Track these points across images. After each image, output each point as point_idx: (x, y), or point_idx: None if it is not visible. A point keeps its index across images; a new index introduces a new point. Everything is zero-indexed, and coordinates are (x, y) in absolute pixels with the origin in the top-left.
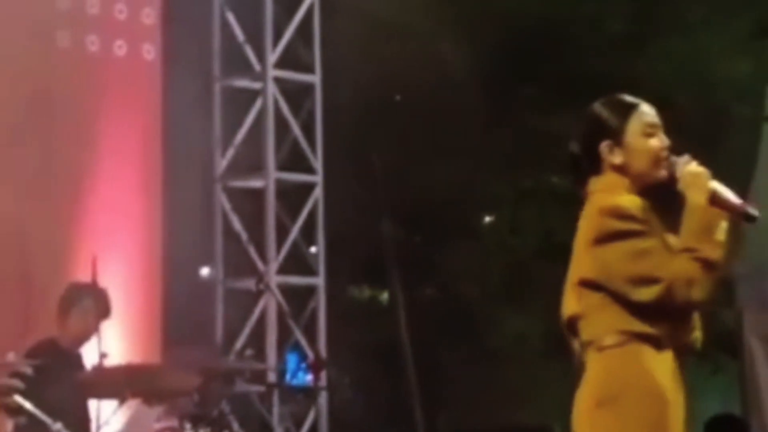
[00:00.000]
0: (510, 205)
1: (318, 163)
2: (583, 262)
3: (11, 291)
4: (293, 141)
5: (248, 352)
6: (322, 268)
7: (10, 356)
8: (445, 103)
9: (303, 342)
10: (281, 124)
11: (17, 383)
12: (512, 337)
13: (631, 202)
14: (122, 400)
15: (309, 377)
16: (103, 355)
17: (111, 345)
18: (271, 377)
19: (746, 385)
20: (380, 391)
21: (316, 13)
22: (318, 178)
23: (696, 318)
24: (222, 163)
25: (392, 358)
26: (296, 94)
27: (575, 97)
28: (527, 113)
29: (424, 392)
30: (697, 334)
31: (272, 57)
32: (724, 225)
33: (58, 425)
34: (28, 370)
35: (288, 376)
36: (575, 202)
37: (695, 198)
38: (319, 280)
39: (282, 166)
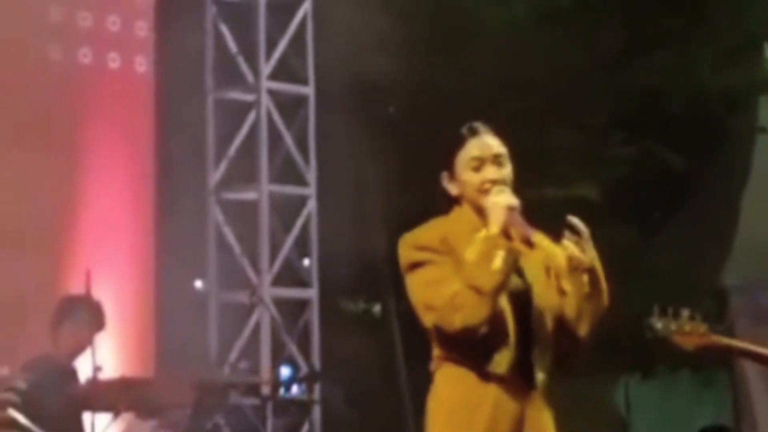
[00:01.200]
0: None
1: (311, 176)
2: None
3: (4, 306)
4: (286, 153)
5: (242, 364)
6: (315, 280)
7: (5, 370)
8: (440, 115)
9: (297, 355)
10: (274, 136)
11: (13, 397)
12: None
13: (432, 232)
14: (116, 414)
15: (303, 390)
16: (97, 369)
17: (105, 358)
18: (265, 390)
19: (738, 396)
20: (374, 403)
21: (309, 24)
22: (311, 191)
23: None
24: (215, 175)
25: (386, 371)
26: (289, 106)
27: (566, 108)
28: (518, 127)
29: (417, 405)
30: (540, 376)
31: (266, 69)
32: (501, 254)
33: None
34: (23, 385)
35: (282, 389)
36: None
37: (488, 228)
38: (313, 293)
39: (275, 179)
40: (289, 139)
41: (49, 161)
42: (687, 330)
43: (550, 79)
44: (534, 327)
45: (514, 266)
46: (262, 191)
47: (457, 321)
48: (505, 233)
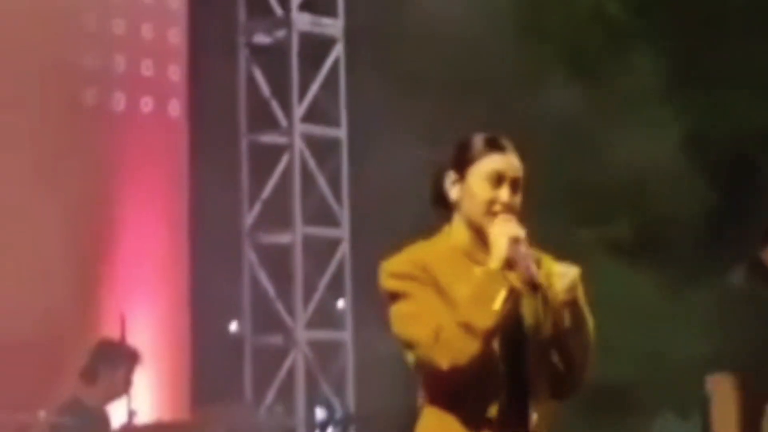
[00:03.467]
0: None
1: (345, 218)
2: None
3: (40, 349)
4: (320, 195)
5: (277, 407)
6: (349, 322)
7: (42, 415)
8: None
9: (331, 397)
10: (308, 179)
11: None
12: None
13: (410, 258)
14: None
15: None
16: (132, 413)
17: (140, 402)
18: None
19: None
20: None
21: (342, 67)
22: (344, 232)
23: (512, 390)
24: (249, 218)
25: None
26: (322, 149)
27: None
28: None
29: None
30: (534, 417)
31: (298, 111)
32: (503, 293)
33: None
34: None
35: (317, 431)
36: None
37: (489, 262)
38: (347, 335)
39: (309, 221)
40: (322, 182)
41: (85, 204)
42: None
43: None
44: (527, 369)
45: (513, 308)
46: (296, 233)
47: (443, 361)
48: (508, 265)
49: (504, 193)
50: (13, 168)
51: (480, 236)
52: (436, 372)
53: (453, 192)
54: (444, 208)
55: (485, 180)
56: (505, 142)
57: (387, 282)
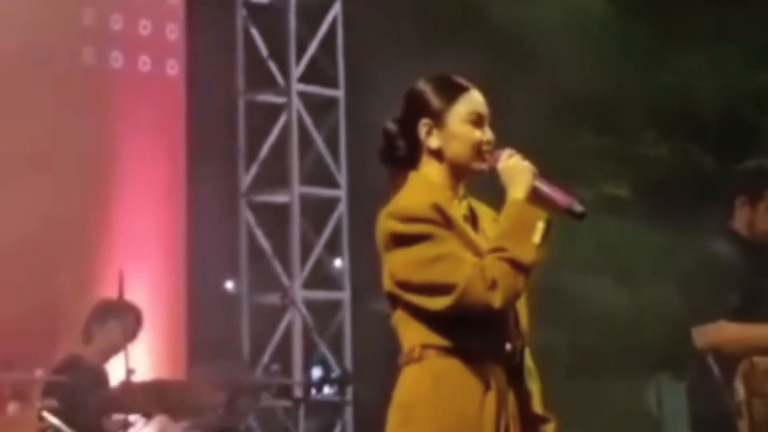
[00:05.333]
0: None
1: (342, 178)
2: (383, 275)
3: (39, 309)
4: (317, 155)
5: (274, 366)
6: (347, 282)
7: (38, 373)
8: None
9: (329, 356)
10: (305, 139)
11: (54, 403)
12: (537, 350)
13: (420, 201)
14: (149, 416)
15: (335, 392)
16: (129, 371)
17: (137, 360)
18: (297, 392)
19: None
20: None
21: (339, 26)
22: (342, 193)
23: (515, 326)
24: (246, 178)
25: None
26: (320, 108)
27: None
28: (548, 126)
29: None
30: (518, 344)
31: (296, 71)
32: (541, 225)
33: None
34: (60, 388)
35: (314, 391)
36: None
37: (513, 194)
38: (345, 295)
39: (306, 181)
40: (319, 141)
41: (81, 163)
42: None
43: (580, 78)
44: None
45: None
46: (294, 193)
47: (497, 299)
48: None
49: (488, 134)
50: (11, 125)
51: (456, 177)
52: (477, 313)
53: (432, 141)
54: (402, 162)
55: (467, 122)
56: (463, 79)
57: (397, 226)
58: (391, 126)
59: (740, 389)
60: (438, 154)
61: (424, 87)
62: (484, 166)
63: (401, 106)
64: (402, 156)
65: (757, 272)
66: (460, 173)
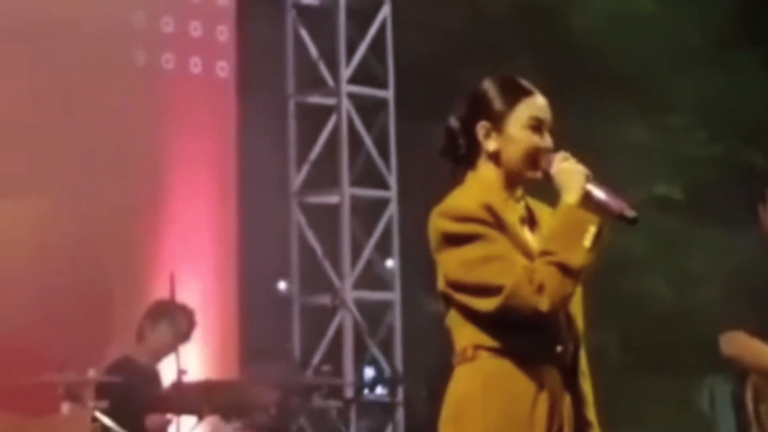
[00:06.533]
0: None
1: (392, 179)
2: (438, 275)
3: (92, 310)
4: (367, 156)
5: (325, 367)
6: (398, 282)
7: (91, 373)
8: None
9: (380, 357)
10: (355, 140)
11: (105, 404)
12: (590, 349)
13: (472, 201)
14: (200, 417)
15: (386, 392)
16: (181, 372)
17: (189, 361)
18: (348, 392)
19: None
20: None
21: (389, 27)
22: (392, 194)
23: (567, 328)
24: (297, 179)
25: None
26: (370, 110)
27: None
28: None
29: None
30: (570, 346)
31: (346, 73)
32: (592, 230)
33: None
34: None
35: (365, 391)
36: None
37: (566, 198)
38: (395, 295)
39: (356, 182)
40: (369, 143)
41: (134, 165)
42: None
43: (633, 76)
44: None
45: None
46: (344, 194)
47: (544, 303)
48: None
49: (547, 140)
50: (65, 128)
51: (512, 180)
52: (526, 316)
53: (489, 144)
54: (463, 160)
55: (526, 128)
56: (528, 83)
57: (448, 225)
58: (454, 123)
59: (749, 397)
60: (495, 158)
61: (488, 87)
62: (537, 174)
63: (465, 104)
64: (462, 154)
65: None
66: (515, 177)
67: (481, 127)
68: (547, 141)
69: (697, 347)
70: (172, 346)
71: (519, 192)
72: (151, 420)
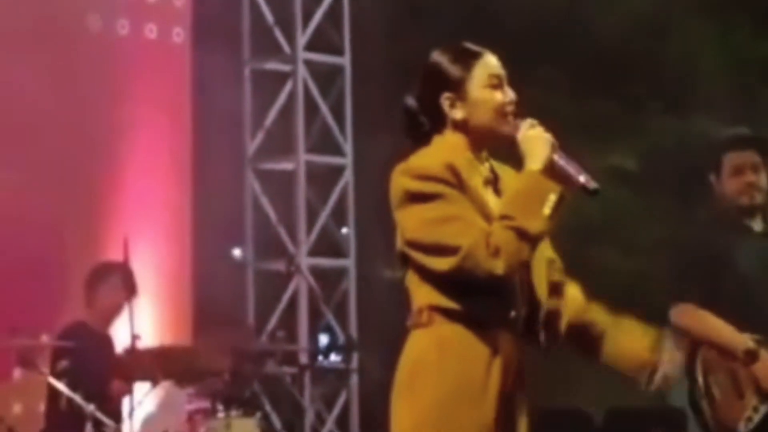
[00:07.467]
0: None
1: (348, 146)
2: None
3: (48, 276)
4: (323, 123)
5: (280, 333)
6: (352, 249)
7: (43, 338)
8: None
9: (334, 323)
10: (311, 107)
11: (65, 363)
12: None
13: (435, 160)
14: (155, 382)
15: (340, 359)
16: (135, 337)
17: (143, 327)
18: (303, 358)
19: None
20: None
21: None
22: (348, 161)
23: (522, 294)
24: (252, 146)
25: None
26: (326, 77)
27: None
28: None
29: None
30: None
31: (302, 39)
32: (553, 198)
33: (92, 407)
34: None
35: (319, 358)
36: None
37: (530, 164)
38: (350, 262)
39: (312, 149)
40: (325, 110)
41: (88, 129)
42: None
43: (586, 47)
44: (534, 278)
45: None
46: (299, 161)
47: (499, 266)
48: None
49: (510, 94)
50: (17, 91)
51: (481, 143)
52: (480, 278)
53: (456, 113)
54: (427, 136)
55: (487, 86)
56: (474, 45)
57: (410, 183)
58: (412, 102)
59: (699, 370)
60: (463, 125)
61: (440, 59)
62: (509, 129)
63: (418, 81)
64: (427, 131)
65: (719, 261)
66: (486, 140)
67: (446, 99)
68: (510, 94)
69: (648, 319)
70: (117, 307)
71: (484, 154)
72: (116, 385)
